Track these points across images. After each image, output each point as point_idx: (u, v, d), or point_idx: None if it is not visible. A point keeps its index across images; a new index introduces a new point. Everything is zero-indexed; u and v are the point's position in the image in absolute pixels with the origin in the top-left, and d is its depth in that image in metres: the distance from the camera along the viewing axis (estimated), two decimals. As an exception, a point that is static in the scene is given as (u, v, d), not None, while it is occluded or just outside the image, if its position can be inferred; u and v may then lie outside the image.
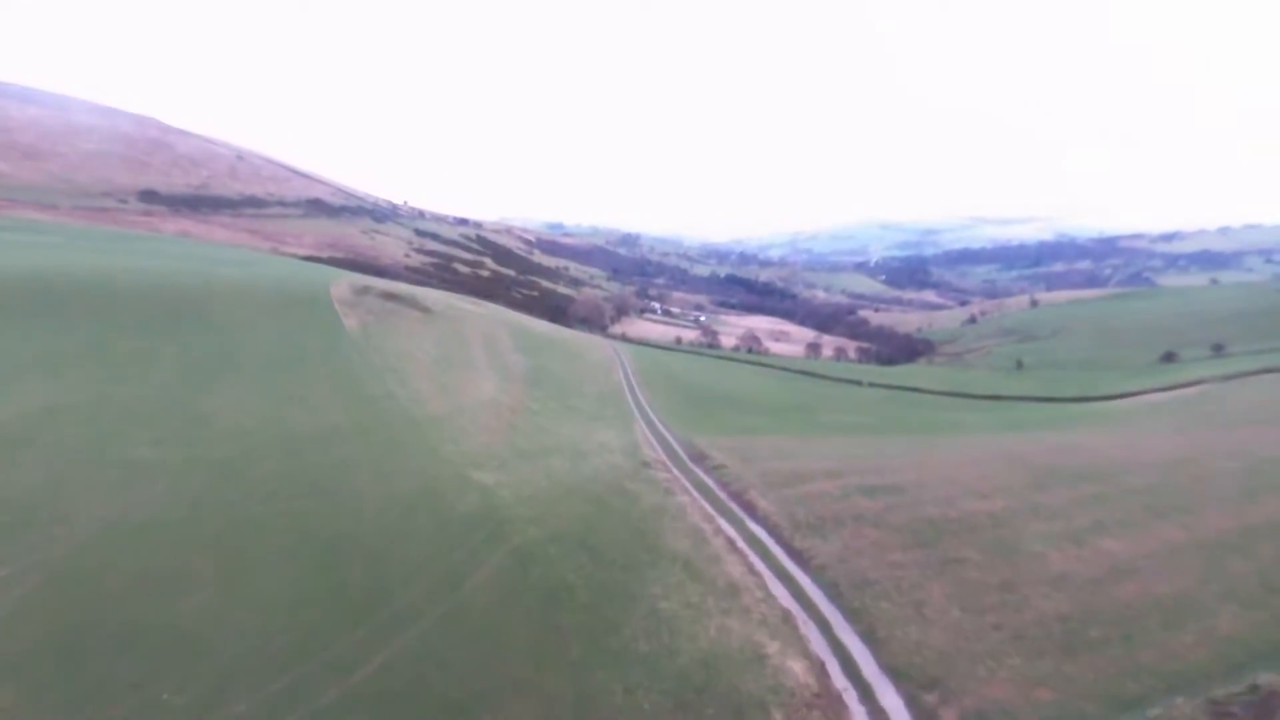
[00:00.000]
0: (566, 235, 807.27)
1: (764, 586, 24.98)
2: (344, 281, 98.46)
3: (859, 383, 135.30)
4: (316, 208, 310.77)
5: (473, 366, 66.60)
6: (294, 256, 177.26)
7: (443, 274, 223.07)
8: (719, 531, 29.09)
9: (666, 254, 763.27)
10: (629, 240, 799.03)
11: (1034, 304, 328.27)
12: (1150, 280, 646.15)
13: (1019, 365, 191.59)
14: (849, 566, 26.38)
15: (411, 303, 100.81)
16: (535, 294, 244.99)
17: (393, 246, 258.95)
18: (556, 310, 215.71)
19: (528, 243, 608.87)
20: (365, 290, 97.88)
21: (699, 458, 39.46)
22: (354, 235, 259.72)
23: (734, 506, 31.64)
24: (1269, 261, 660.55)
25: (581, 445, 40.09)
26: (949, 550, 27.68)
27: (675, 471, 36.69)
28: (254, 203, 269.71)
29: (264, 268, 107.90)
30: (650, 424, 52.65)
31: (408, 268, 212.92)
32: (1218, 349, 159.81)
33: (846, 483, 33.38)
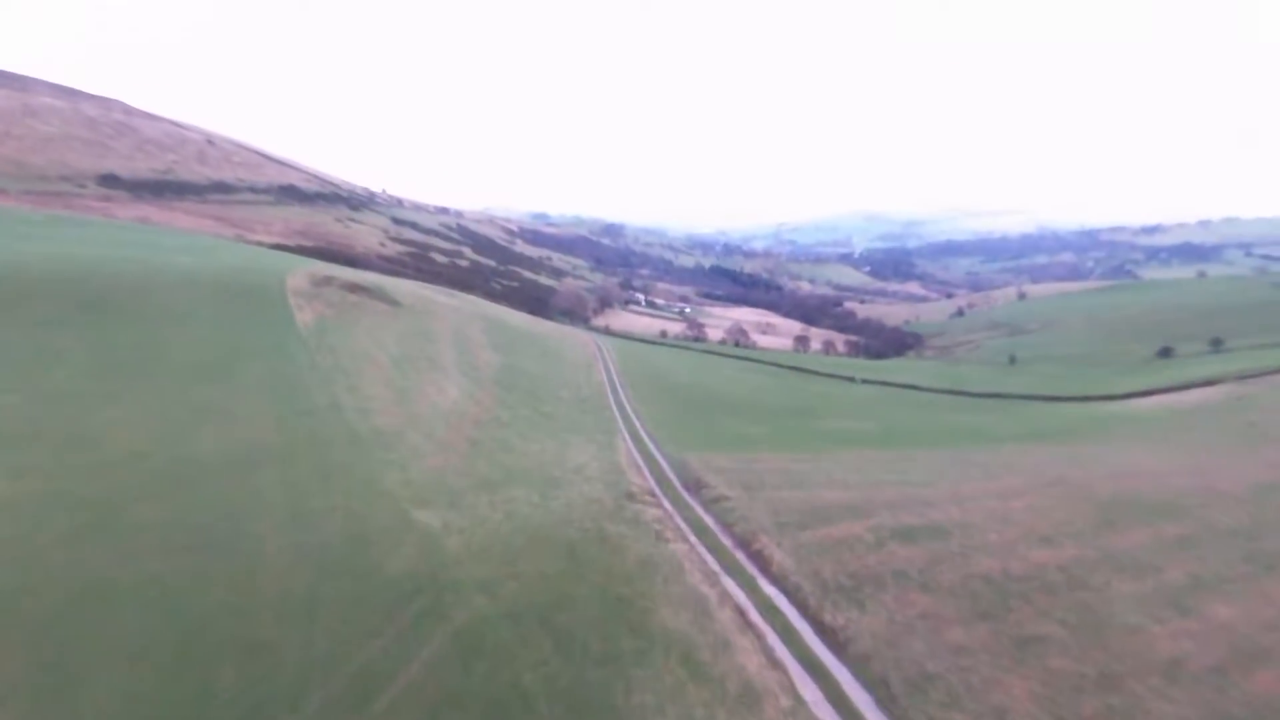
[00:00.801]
0: (550, 225, 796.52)
1: (791, 689, 18.48)
2: (303, 271, 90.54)
3: (852, 379, 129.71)
4: (289, 194, 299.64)
5: (438, 367, 59.47)
6: (260, 244, 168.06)
7: (419, 264, 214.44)
8: (726, 598, 22.48)
9: (651, 244, 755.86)
10: (613, 230, 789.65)
11: (1021, 296, 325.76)
12: (1132, 273, 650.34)
13: (1012, 360, 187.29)
14: (899, 653, 19.99)
15: (378, 295, 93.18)
16: (515, 285, 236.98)
17: (368, 235, 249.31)
18: (537, 302, 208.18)
19: (510, 232, 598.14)
20: (327, 281, 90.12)
21: (694, 485, 32.86)
22: (327, 223, 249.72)
23: (742, 558, 24.98)
24: (1248, 255, 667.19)
25: (554, 469, 33.42)
26: (1023, 624, 21.42)
27: (667, 505, 30.10)
28: (222, 188, 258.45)
29: (218, 255, 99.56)
30: (635, 436, 46.05)
31: (382, 257, 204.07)
32: (1216, 344, 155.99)
33: (876, 523, 27.04)
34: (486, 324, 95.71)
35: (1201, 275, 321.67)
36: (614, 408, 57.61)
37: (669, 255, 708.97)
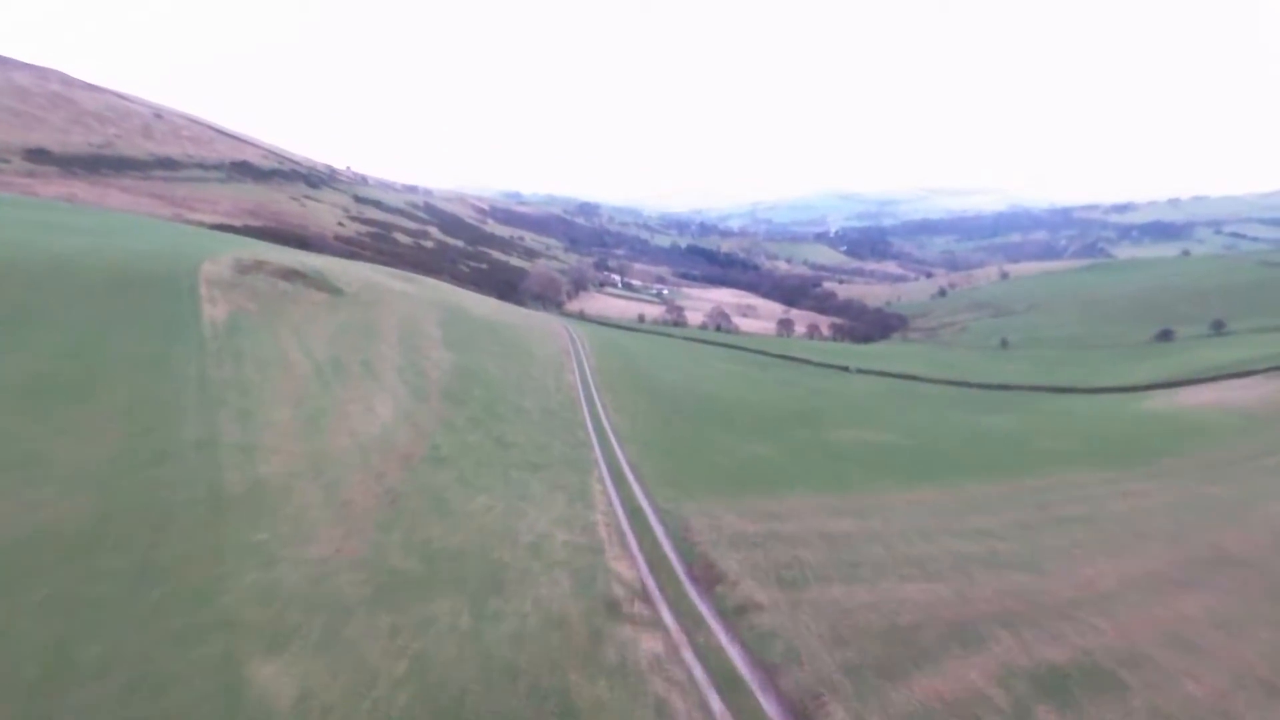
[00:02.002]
0: (523, 204, 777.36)
1: None
2: (227, 256, 78.30)
3: (846, 368, 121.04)
4: (242, 171, 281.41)
5: (374, 374, 48.53)
6: (200, 224, 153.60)
7: (380, 245, 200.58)
8: None
9: (626, 224, 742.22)
10: (588, 210, 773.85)
11: (1004, 276, 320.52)
12: (1106, 251, 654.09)
13: (1004, 344, 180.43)
14: None
15: (317, 282, 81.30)
16: (484, 267, 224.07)
17: (326, 214, 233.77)
18: (507, 285, 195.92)
19: (481, 211, 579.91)
20: (256, 266, 78.02)
21: (705, 574, 22.30)
22: (281, 201, 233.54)
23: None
24: (1218, 232, 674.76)
25: (503, 548, 22.95)
26: None
27: (668, 620, 19.59)
28: (167, 164, 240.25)
29: (127, 238, 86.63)
30: (616, 470, 35.54)
31: (339, 238, 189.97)
32: (1217, 326, 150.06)
33: (1002, 661, 17.19)
34: (444, 314, 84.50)
35: (1185, 254, 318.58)
36: (589, 423, 47.19)
37: (644, 235, 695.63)
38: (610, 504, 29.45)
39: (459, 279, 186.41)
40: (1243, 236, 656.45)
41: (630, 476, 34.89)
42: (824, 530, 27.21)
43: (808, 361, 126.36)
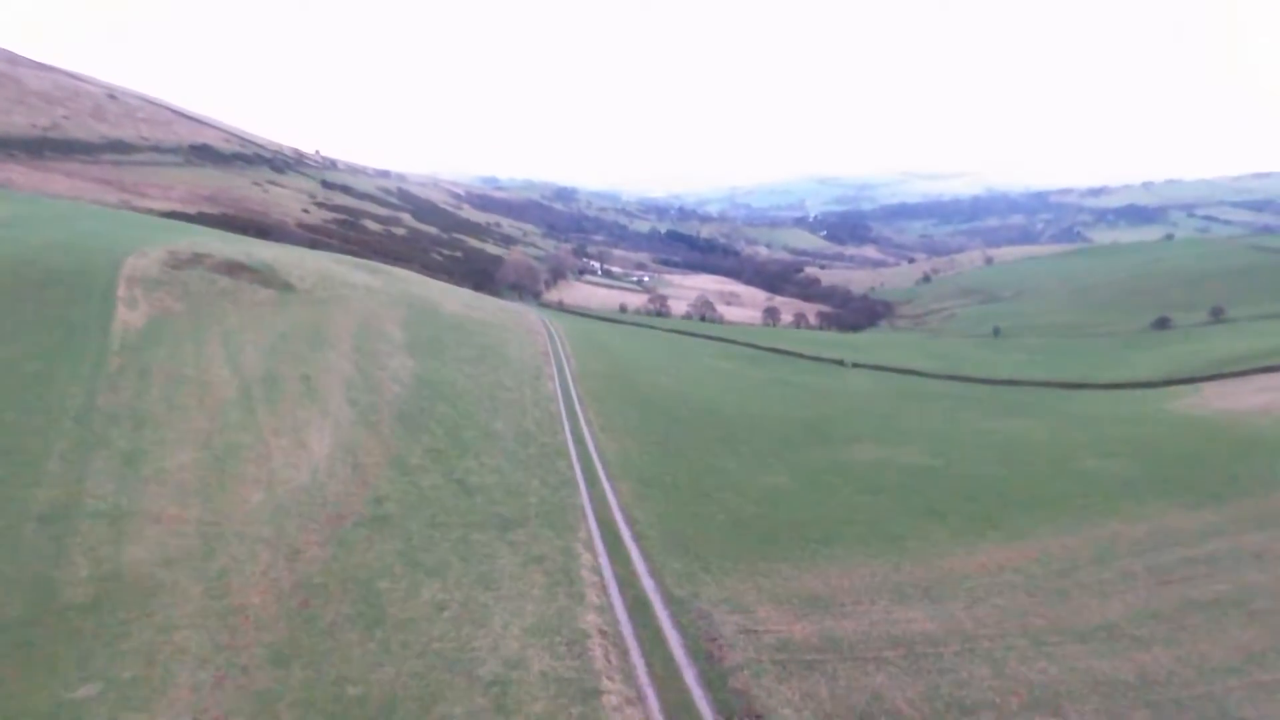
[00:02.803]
0: (500, 189, 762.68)
1: None
2: (160, 249, 69.57)
3: (841, 362, 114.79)
4: (202, 154, 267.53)
5: (314, 394, 40.66)
6: (149, 212, 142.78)
7: (347, 233, 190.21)
8: None
9: (605, 209, 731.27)
10: (565, 195, 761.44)
11: (988, 261, 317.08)
12: (1083, 235, 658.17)
13: (996, 332, 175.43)
14: None
15: (265, 277, 72.77)
16: (459, 255, 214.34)
17: (290, 200, 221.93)
18: (483, 275, 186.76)
19: (456, 197, 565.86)
20: (193, 261, 69.43)
21: None
22: (243, 187, 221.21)
23: None
24: (1191, 215, 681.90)
25: (453, 703, 15.73)
26: None
27: None
28: (119, 147, 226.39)
29: (55, 228, 77.42)
30: (611, 535, 27.70)
31: (303, 225, 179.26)
32: (1216, 313, 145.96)
33: None
34: (410, 312, 76.53)
35: (1169, 238, 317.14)
36: (572, 448, 39.79)
37: (623, 220, 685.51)
38: (605, 592, 22.17)
39: (431, 268, 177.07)
40: (1216, 220, 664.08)
41: (628, 536, 27.61)
42: (895, 631, 20.32)
43: (800, 355, 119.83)
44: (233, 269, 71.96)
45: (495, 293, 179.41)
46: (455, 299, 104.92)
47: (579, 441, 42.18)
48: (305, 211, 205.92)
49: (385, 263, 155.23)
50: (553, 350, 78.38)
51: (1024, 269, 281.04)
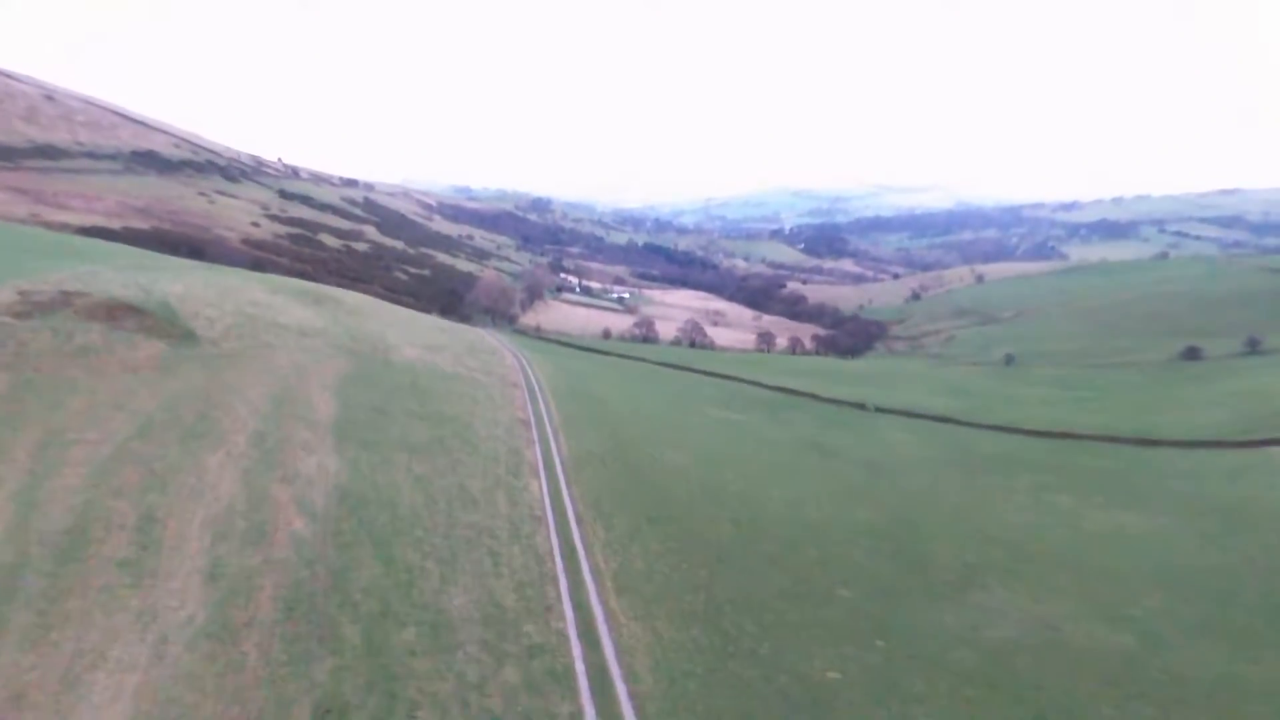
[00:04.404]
0: (473, 200, 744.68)
1: None
2: (6, 289, 52.39)
3: (863, 406, 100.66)
4: (146, 161, 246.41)
5: (143, 565, 24.21)
6: (63, 228, 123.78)
7: (300, 249, 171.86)
8: None
9: (580, 220, 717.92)
10: (540, 205, 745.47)
11: (979, 280, 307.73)
12: (1057, 249, 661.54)
13: (1009, 360, 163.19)
14: None
15: (157, 324, 55.41)
16: (426, 273, 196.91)
17: (239, 212, 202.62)
18: (452, 297, 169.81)
19: (427, 207, 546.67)
20: (56, 303, 52.30)
21: None
22: (186, 197, 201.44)
23: None
24: (1162, 231, 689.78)
25: None
26: None
27: None
28: (48, 153, 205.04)
29: None
30: None
31: (248, 242, 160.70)
32: (1253, 344, 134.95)
33: None
34: (352, 364, 60.01)
35: (1164, 256, 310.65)
36: (575, 652, 24.17)
37: (599, 232, 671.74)
38: None
39: (394, 290, 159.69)
40: (1187, 235, 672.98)
41: None
42: None
43: (813, 397, 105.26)
44: (113, 312, 54.49)
45: (466, 317, 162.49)
46: (415, 335, 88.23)
47: (584, 618, 26.35)
48: (254, 225, 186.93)
49: (340, 285, 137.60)
50: (533, 411, 62.33)
51: (1018, 288, 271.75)
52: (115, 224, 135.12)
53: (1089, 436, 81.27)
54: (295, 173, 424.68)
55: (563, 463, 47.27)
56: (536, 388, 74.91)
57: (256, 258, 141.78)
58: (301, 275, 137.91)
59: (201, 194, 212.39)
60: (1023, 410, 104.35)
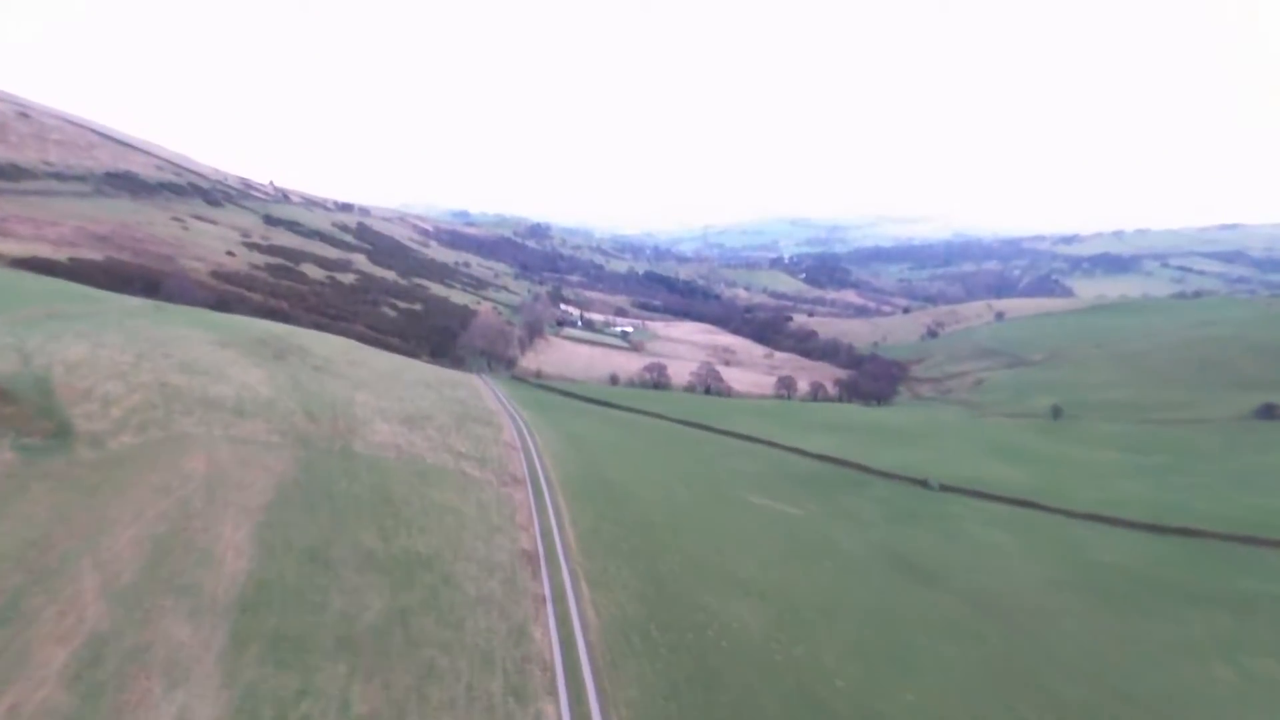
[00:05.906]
0: (471, 225, 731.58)
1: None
2: None
3: (926, 484, 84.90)
4: (121, 183, 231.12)
5: None
6: (0, 258, 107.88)
7: (277, 282, 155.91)
8: None
9: (579, 248, 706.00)
10: (539, 231, 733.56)
11: (999, 317, 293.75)
12: (1060, 283, 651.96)
13: (1056, 413, 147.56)
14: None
15: (18, 416, 38.98)
16: (418, 308, 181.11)
17: (214, 240, 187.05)
18: (444, 336, 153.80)
19: (424, 233, 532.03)
20: None
21: None
22: (157, 223, 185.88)
23: None
24: (1164, 265, 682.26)
25: None
26: None
27: None
28: (7, 173, 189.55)
29: None
30: None
31: (219, 274, 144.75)
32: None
33: None
34: (297, 460, 44.00)
35: (1196, 295, 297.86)
36: None
37: (599, 259, 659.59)
38: None
39: (379, 329, 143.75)
40: (1190, 270, 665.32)
41: None
42: None
43: (867, 469, 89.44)
44: (-42, 404, 38.81)
45: (460, 360, 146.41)
46: (393, 400, 72.19)
47: None
48: (229, 254, 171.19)
49: (316, 325, 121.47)
50: (541, 527, 46.34)
51: (1042, 326, 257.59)
52: (61, 254, 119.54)
53: (1214, 534, 65.44)
54: (286, 196, 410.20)
55: (591, 655, 31.01)
56: (543, 479, 58.81)
57: (223, 294, 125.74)
58: (273, 314, 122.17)
59: (176, 219, 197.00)
60: (1105, 486, 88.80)
